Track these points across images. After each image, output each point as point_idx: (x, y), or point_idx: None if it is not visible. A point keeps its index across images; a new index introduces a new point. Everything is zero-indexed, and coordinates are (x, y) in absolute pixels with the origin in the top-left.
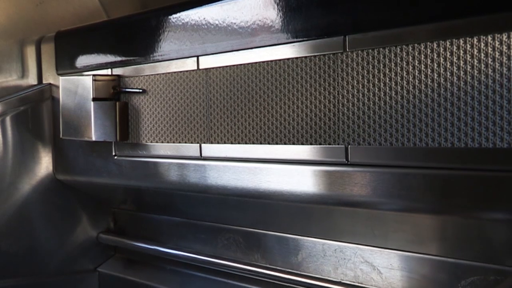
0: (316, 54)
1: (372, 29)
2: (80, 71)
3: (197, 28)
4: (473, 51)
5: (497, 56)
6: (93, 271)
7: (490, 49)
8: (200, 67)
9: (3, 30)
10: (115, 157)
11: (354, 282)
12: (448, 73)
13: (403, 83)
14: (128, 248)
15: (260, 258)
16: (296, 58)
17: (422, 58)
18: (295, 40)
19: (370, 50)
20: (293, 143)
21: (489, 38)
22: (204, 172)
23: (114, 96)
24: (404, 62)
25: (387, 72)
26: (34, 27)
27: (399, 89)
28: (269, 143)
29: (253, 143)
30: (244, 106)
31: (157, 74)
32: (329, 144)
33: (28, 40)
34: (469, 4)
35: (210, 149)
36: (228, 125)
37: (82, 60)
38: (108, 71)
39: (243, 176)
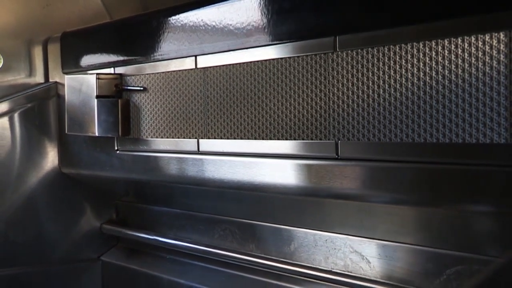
0: (308, 53)
1: (361, 30)
2: (84, 70)
3: (195, 29)
4: (458, 50)
5: (480, 55)
6: (97, 260)
7: (473, 49)
8: (198, 66)
9: (12, 31)
10: (118, 152)
11: (344, 271)
12: (433, 71)
13: (391, 81)
14: (129, 238)
15: (254, 248)
16: (289, 57)
17: (409, 58)
18: (288, 40)
19: (359, 50)
20: (286, 139)
21: (473, 38)
22: (202, 166)
23: (117, 94)
24: (392, 61)
25: (375, 71)
26: (41, 28)
27: (387, 87)
28: (263, 139)
29: (248, 138)
30: (240, 103)
31: (157, 73)
32: (320, 139)
33: (35, 41)
34: (453, 6)
35: (207, 144)
36: (225, 121)
37: (86, 60)
38: (111, 70)
39: (238, 170)
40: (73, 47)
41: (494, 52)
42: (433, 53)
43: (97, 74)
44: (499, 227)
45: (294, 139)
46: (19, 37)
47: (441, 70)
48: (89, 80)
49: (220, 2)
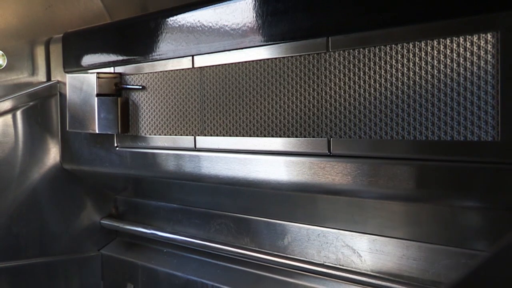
0: (301, 54)
1: (353, 31)
2: (85, 69)
3: (192, 30)
4: (446, 51)
5: (468, 55)
6: (96, 253)
7: (462, 49)
8: (195, 65)
9: (15, 31)
10: (117, 148)
11: (336, 264)
12: (423, 71)
13: (382, 80)
14: (128, 232)
15: (249, 242)
16: (283, 57)
17: (399, 58)
18: (282, 41)
19: (351, 50)
20: (280, 136)
21: (461, 39)
22: (198, 162)
23: (116, 92)
24: (383, 61)
25: (366, 70)
26: (43, 29)
27: (377, 86)
28: (258, 136)
29: (243, 135)
30: (235, 101)
31: (156, 72)
32: (313, 136)
33: (38, 41)
34: (442, 8)
35: (203, 141)
36: (221, 119)
37: (87, 59)
38: (110, 69)
39: (234, 166)
40: (74, 47)
41: (482, 52)
42: (423, 53)
43: (97, 73)
44: (485, 222)
45: (288, 136)
46: (22, 37)
47: (431, 70)
48: (90, 79)
49: (216, 3)
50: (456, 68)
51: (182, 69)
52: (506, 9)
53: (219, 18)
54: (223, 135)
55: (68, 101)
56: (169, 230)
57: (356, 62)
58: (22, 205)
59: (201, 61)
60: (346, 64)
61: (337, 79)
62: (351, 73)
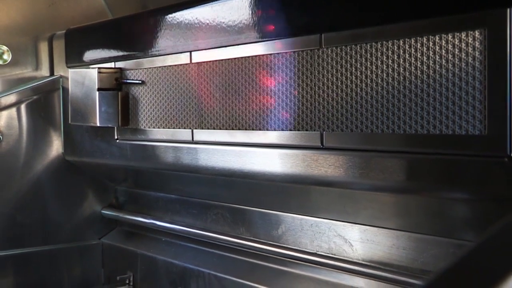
0: (295, 50)
1: (345, 28)
2: (87, 64)
3: (190, 27)
4: (435, 47)
5: (456, 52)
6: (97, 242)
7: (450, 46)
8: (193, 61)
9: (19, 28)
10: (117, 141)
11: (328, 253)
12: (412, 67)
13: (373, 76)
14: (128, 221)
15: (244, 232)
16: (278, 53)
17: (390, 54)
18: (276, 37)
19: (343, 47)
20: (275, 129)
21: (450, 36)
22: (196, 155)
23: (117, 87)
24: (374, 58)
25: (358, 66)
26: (46, 25)
27: (369, 82)
28: (253, 129)
29: (239, 129)
30: (232, 96)
31: (155, 67)
32: (306, 130)
33: (41, 37)
34: (431, 6)
35: (201, 134)
36: (217, 113)
37: (89, 55)
38: (111, 64)
39: (230, 158)
40: (77, 43)
41: (470, 49)
42: (413, 50)
43: (98, 68)
44: (473, 213)
45: (282, 130)
46: (26, 33)
47: (420, 66)
48: (91, 74)
49: (213, 1)
50: (445, 64)
51: (180, 65)
52: (493, 7)
53: (216, 16)
54: (220, 128)
55: (70, 95)
56: (167, 220)
57: (348, 58)
58: (26, 195)
59: (199, 56)
60: (339, 60)
61: (330, 74)
62: (344, 69)
